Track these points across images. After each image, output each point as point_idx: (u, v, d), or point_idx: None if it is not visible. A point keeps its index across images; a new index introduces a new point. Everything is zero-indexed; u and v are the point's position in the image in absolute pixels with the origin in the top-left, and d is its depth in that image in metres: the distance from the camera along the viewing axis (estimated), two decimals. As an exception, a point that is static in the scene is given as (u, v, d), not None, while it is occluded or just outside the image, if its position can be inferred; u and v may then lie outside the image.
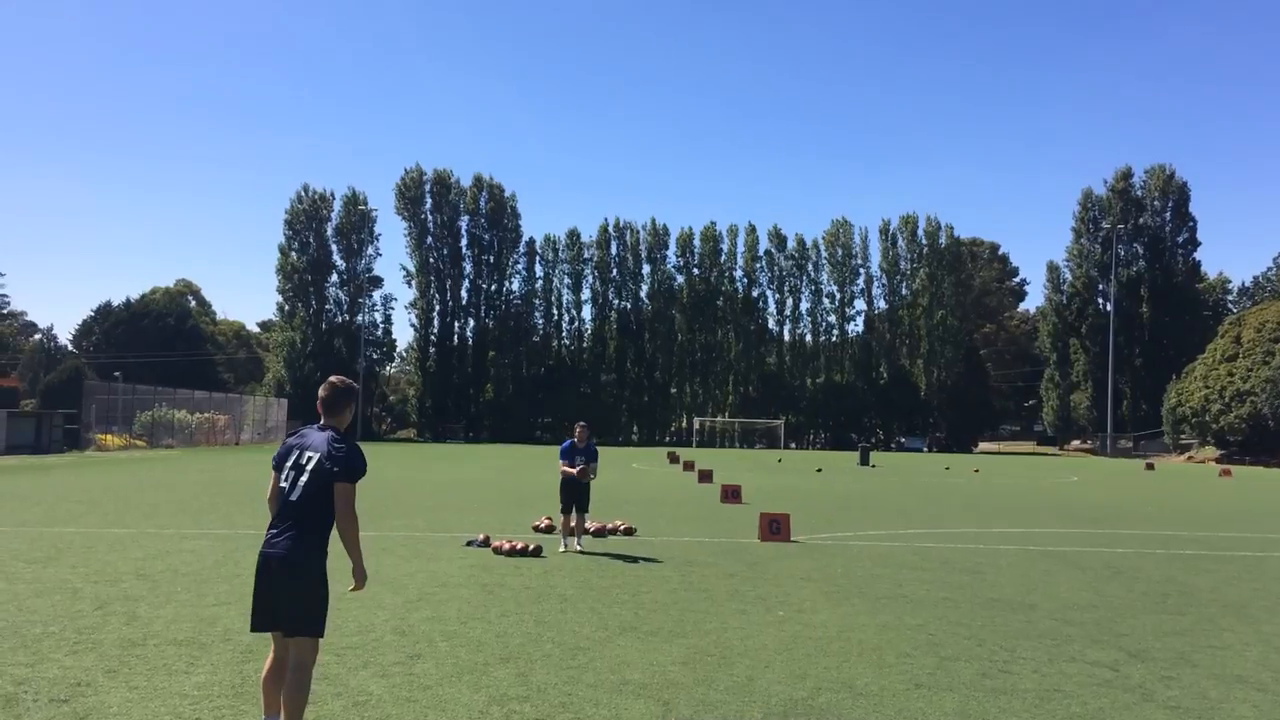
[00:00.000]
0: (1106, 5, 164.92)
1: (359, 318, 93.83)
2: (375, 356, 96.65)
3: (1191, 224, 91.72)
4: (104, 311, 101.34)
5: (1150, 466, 55.85)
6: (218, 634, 7.81)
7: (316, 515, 5.00)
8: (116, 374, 66.27)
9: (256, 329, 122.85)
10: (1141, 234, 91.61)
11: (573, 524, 13.64)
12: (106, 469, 32.46)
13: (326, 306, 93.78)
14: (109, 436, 49.51)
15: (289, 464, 5.10)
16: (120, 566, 11.14)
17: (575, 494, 13.63)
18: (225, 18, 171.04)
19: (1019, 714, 6.14)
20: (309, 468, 5.01)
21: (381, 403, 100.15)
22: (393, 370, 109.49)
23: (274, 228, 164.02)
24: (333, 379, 5.46)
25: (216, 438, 59.74)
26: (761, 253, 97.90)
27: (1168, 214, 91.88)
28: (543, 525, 15.65)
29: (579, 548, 13.42)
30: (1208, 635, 8.65)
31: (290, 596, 4.94)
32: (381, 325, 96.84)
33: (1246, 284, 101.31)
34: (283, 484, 5.07)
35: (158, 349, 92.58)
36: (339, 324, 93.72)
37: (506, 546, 12.86)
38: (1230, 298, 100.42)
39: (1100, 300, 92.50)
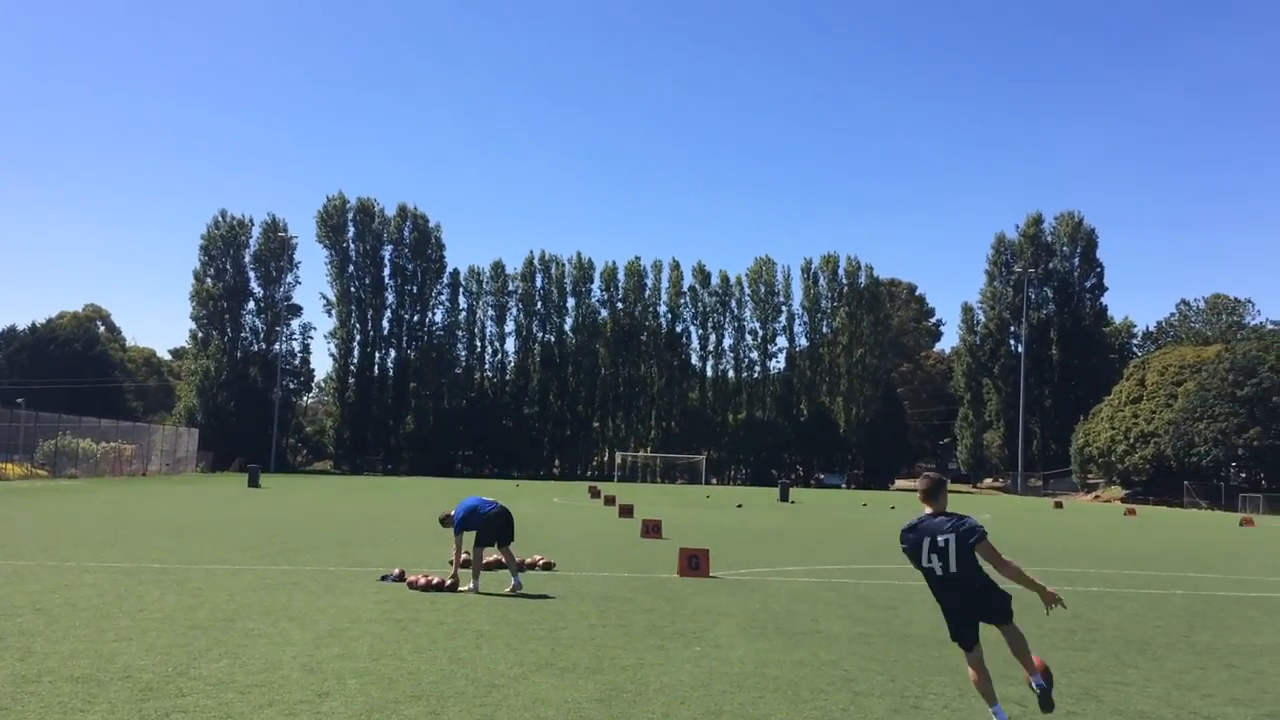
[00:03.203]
0: (1023, 53, 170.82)
1: (276, 346, 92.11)
2: (292, 386, 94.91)
3: (1099, 270, 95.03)
4: (7, 335, 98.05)
5: (1059, 505, 57.28)
6: (116, 671, 7.52)
7: (971, 569, 6.43)
8: (19, 400, 64.01)
9: (168, 356, 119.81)
10: (1051, 278, 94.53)
11: (488, 559, 13.23)
12: (4, 499, 31.20)
13: (242, 334, 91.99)
14: (9, 466, 47.65)
15: (926, 550, 6.45)
16: (15, 600, 10.70)
17: (505, 527, 12.72)
18: (141, 38, 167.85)
19: (929, 749, 6.20)
20: (951, 547, 6.37)
21: (297, 433, 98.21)
22: (310, 400, 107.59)
23: (189, 253, 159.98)
24: (929, 474, 7.14)
25: (123, 468, 57.87)
26: (686, 288, 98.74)
27: (1076, 259, 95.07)
28: (460, 560, 15.41)
29: (513, 585, 12.48)
30: (1112, 671, 8.86)
31: (991, 608, 6.51)
32: (299, 355, 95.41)
33: (1150, 328, 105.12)
34: (927, 565, 6.47)
35: (64, 375, 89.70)
36: (255, 353, 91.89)
37: (422, 581, 12.66)
38: (1135, 341, 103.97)
39: (1012, 341, 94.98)
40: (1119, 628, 11.42)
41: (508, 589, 12.49)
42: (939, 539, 6.37)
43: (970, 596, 6.43)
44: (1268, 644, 10.64)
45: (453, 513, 13.08)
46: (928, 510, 6.54)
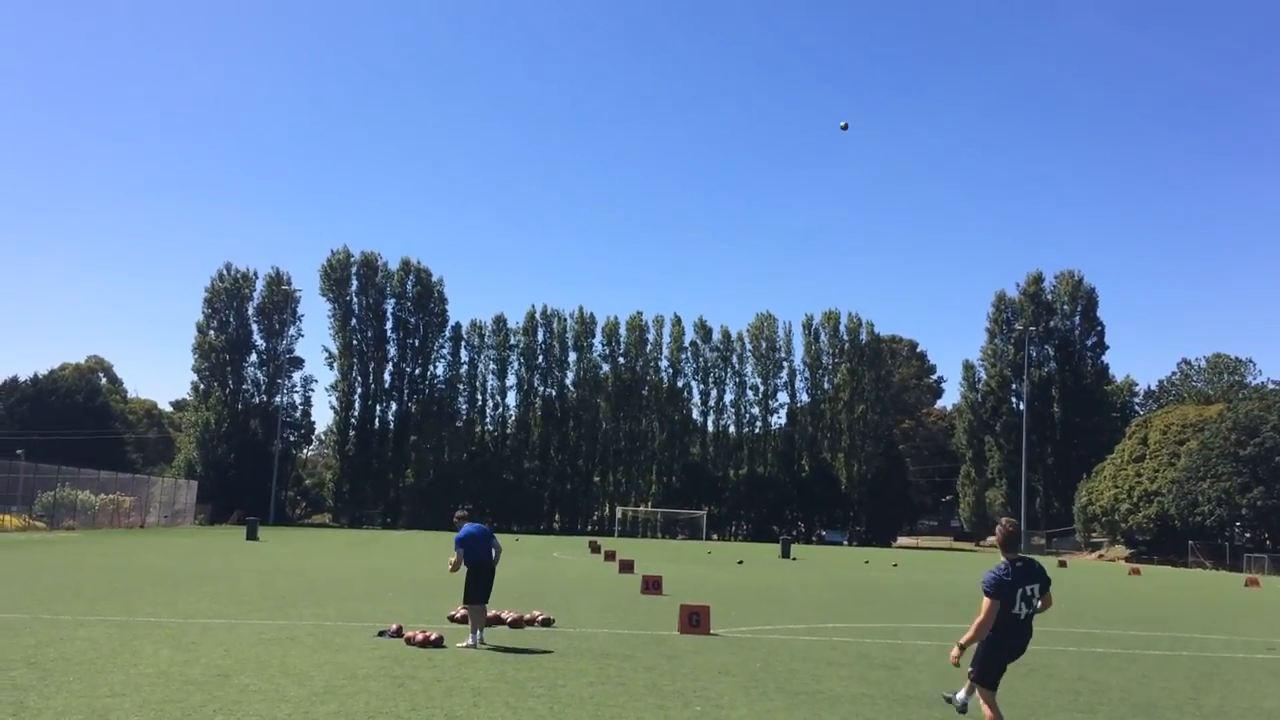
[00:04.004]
0: (1024, 112, 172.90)
1: (278, 399, 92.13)
2: (292, 439, 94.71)
3: (1099, 328, 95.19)
4: (9, 387, 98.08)
5: (1063, 564, 56.81)
6: (109, 727, 7.43)
7: (1035, 610, 7.23)
8: (19, 451, 63.85)
9: (169, 408, 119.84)
10: (1052, 336, 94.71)
11: (491, 614, 13.17)
12: (1, 551, 31.00)
13: (244, 387, 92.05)
14: (7, 517, 47.35)
15: (1019, 599, 7.04)
16: (9, 653, 10.59)
17: (489, 579, 12.96)
18: (146, 89, 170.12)
19: (934, 813, 6.10)
20: (1037, 595, 7.13)
21: (296, 486, 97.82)
22: (309, 453, 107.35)
23: (193, 305, 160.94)
24: (1006, 521, 7.52)
25: (121, 520, 57.56)
26: (687, 344, 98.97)
27: (1077, 318, 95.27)
28: (458, 615, 15.29)
29: (483, 643, 12.60)
30: (1118, 733, 8.74)
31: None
32: (300, 407, 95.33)
33: (1152, 387, 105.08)
34: (1014, 611, 7.03)
35: (65, 427, 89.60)
36: (256, 405, 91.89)
37: (420, 637, 12.54)
38: (1137, 400, 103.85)
39: (1014, 399, 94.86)
40: (1125, 689, 11.29)
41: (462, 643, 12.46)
42: (1027, 588, 7.01)
43: (1029, 636, 7.20)
44: (1274, 707, 10.50)
45: (465, 523, 13.21)
46: (1007, 557, 7.14)
